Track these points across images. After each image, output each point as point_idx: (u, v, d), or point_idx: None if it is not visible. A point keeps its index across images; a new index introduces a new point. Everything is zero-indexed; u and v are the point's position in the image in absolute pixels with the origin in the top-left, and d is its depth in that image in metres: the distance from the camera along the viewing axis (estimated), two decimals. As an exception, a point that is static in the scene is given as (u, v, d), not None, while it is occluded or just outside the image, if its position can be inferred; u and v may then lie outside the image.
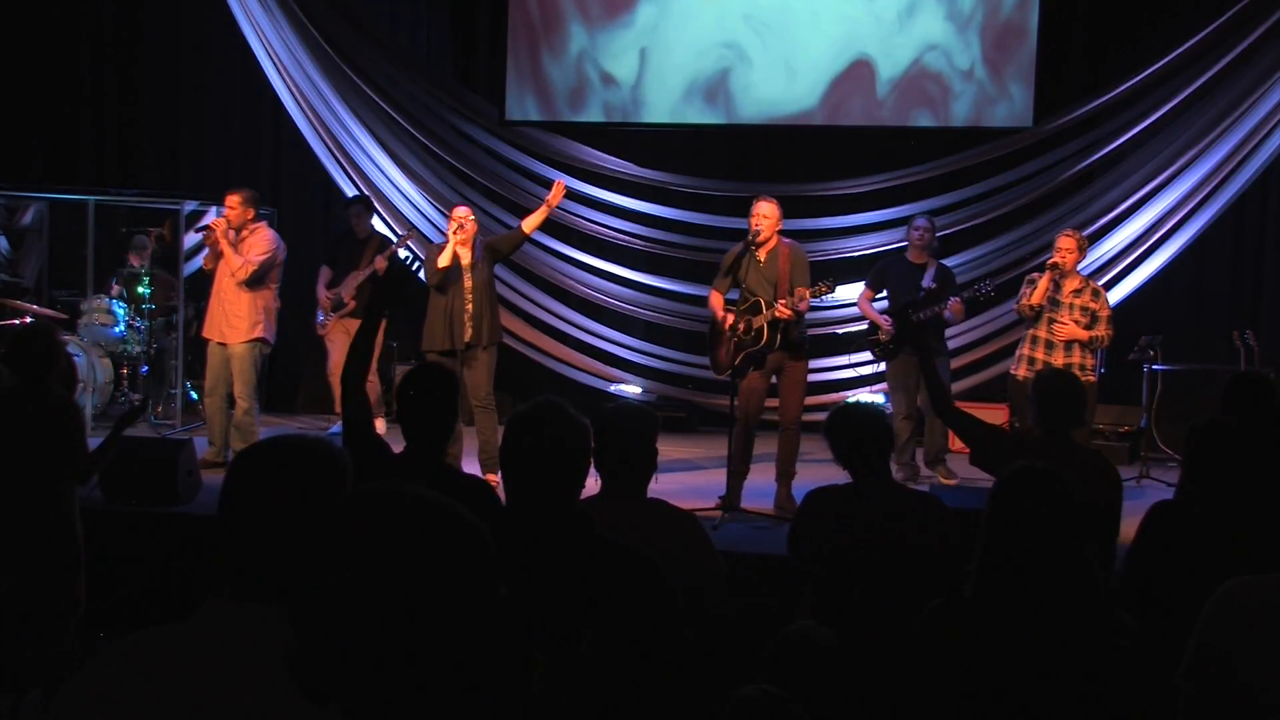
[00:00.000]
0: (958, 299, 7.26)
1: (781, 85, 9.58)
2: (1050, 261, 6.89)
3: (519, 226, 7.48)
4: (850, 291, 9.10)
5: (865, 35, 9.42)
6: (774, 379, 6.82)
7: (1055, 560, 2.55)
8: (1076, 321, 6.76)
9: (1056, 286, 6.85)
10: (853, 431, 3.83)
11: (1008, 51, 9.24)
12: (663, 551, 3.05)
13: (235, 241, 7.54)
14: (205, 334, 7.68)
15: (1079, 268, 7.03)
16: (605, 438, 3.26)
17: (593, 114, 9.93)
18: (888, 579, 3.54)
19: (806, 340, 6.88)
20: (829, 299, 8.98)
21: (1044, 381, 4.44)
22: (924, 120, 9.43)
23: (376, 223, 9.04)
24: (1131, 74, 8.81)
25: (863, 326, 8.22)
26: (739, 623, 3.38)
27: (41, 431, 4.52)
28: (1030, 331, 6.92)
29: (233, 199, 7.57)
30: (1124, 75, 8.86)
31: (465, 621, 1.27)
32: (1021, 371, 6.87)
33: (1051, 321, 6.81)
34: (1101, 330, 6.79)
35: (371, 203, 8.90)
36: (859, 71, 9.46)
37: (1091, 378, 6.82)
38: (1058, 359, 6.74)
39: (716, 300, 6.87)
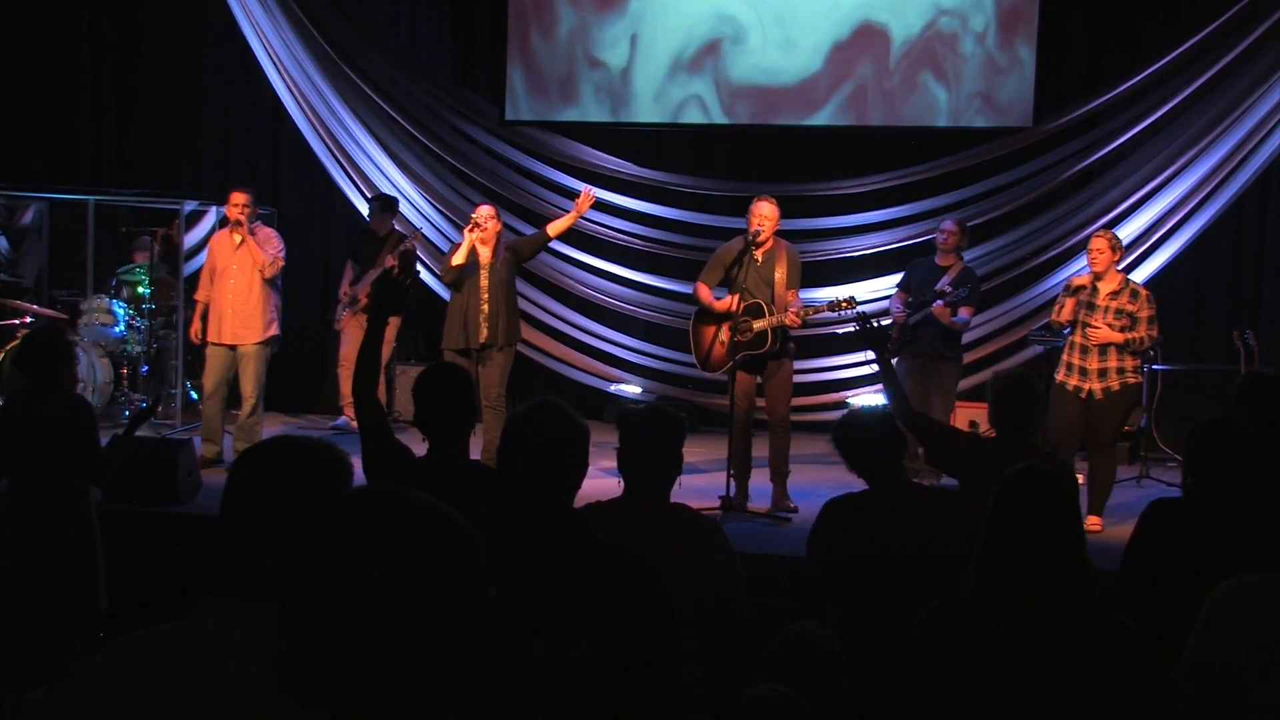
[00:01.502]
0: (941, 303, 7.22)
1: (782, 52, 9.55)
2: (1072, 284, 6.72)
3: (543, 230, 7.47)
4: (850, 291, 9.11)
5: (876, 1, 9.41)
6: (758, 378, 6.83)
7: (1055, 562, 2.55)
8: (1110, 325, 6.56)
9: (1094, 290, 6.68)
10: (863, 438, 3.79)
11: (1016, 26, 9.24)
12: (683, 555, 3.06)
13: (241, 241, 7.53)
14: (211, 337, 7.58)
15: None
16: (629, 440, 3.26)
17: (585, 95, 9.90)
18: (918, 583, 3.51)
19: (792, 341, 6.92)
20: (828, 300, 9.01)
21: (998, 383, 4.47)
22: (933, 86, 9.36)
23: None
24: (1131, 74, 8.81)
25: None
26: (758, 626, 3.37)
27: (55, 431, 4.52)
28: (1069, 337, 6.81)
29: (241, 197, 7.51)
30: (1124, 75, 8.86)
31: (453, 623, 1.26)
32: (1059, 376, 6.74)
33: (1085, 326, 6.65)
34: (1141, 332, 6.56)
35: (392, 202, 8.91)
36: (870, 35, 9.42)
37: (1131, 379, 6.61)
38: (1092, 363, 6.58)
39: (706, 293, 6.86)
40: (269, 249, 7.59)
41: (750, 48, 9.61)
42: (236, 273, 7.55)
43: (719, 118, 9.75)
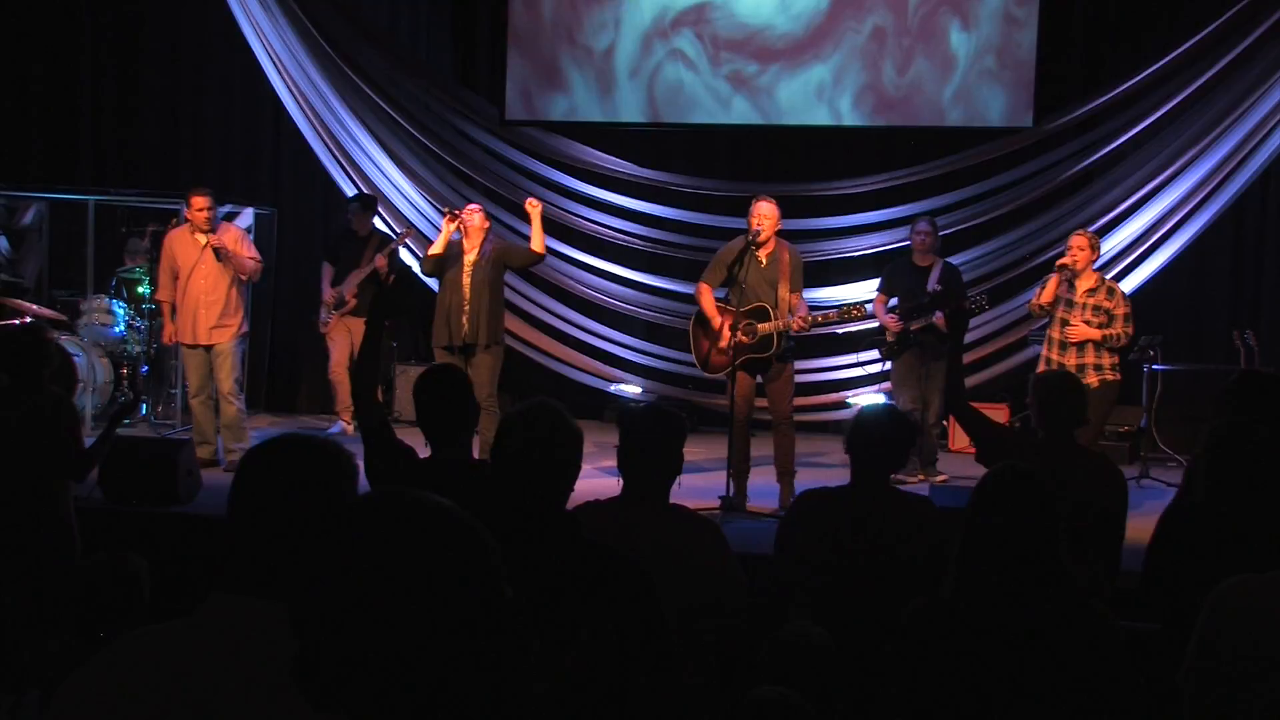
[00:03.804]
0: (942, 314, 7.22)
1: (777, 4, 9.54)
2: (1059, 263, 6.81)
3: (528, 247, 7.37)
4: (850, 292, 9.12)
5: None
6: (758, 378, 6.83)
7: (1032, 559, 2.57)
8: (1088, 322, 6.61)
9: (1070, 286, 6.74)
10: (885, 434, 3.76)
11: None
12: (681, 555, 3.05)
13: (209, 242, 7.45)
14: (185, 339, 7.50)
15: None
16: (628, 440, 3.26)
17: (571, 78, 9.90)
18: (879, 582, 3.53)
19: (792, 341, 6.93)
20: (829, 299, 9.02)
21: (1044, 383, 4.45)
22: (953, 36, 9.30)
23: (377, 222, 9.03)
24: (1131, 74, 8.81)
25: (863, 327, 8.21)
26: (754, 627, 3.37)
27: (35, 430, 4.52)
28: (1048, 332, 6.84)
29: (204, 200, 7.39)
30: (1124, 75, 8.87)
31: (471, 625, 1.27)
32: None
33: (1064, 323, 6.68)
34: (1118, 329, 6.61)
35: (372, 201, 8.87)
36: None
37: (1109, 376, 6.64)
38: (1071, 360, 6.59)
39: (707, 297, 6.86)
40: (247, 253, 7.55)
41: (740, 4, 9.60)
42: (205, 273, 7.42)
43: (706, 72, 9.69)
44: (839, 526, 3.65)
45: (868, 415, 3.86)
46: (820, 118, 9.60)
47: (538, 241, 7.31)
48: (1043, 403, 4.31)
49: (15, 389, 4.59)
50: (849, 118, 9.57)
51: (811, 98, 9.59)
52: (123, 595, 3.51)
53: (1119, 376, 6.75)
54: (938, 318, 7.22)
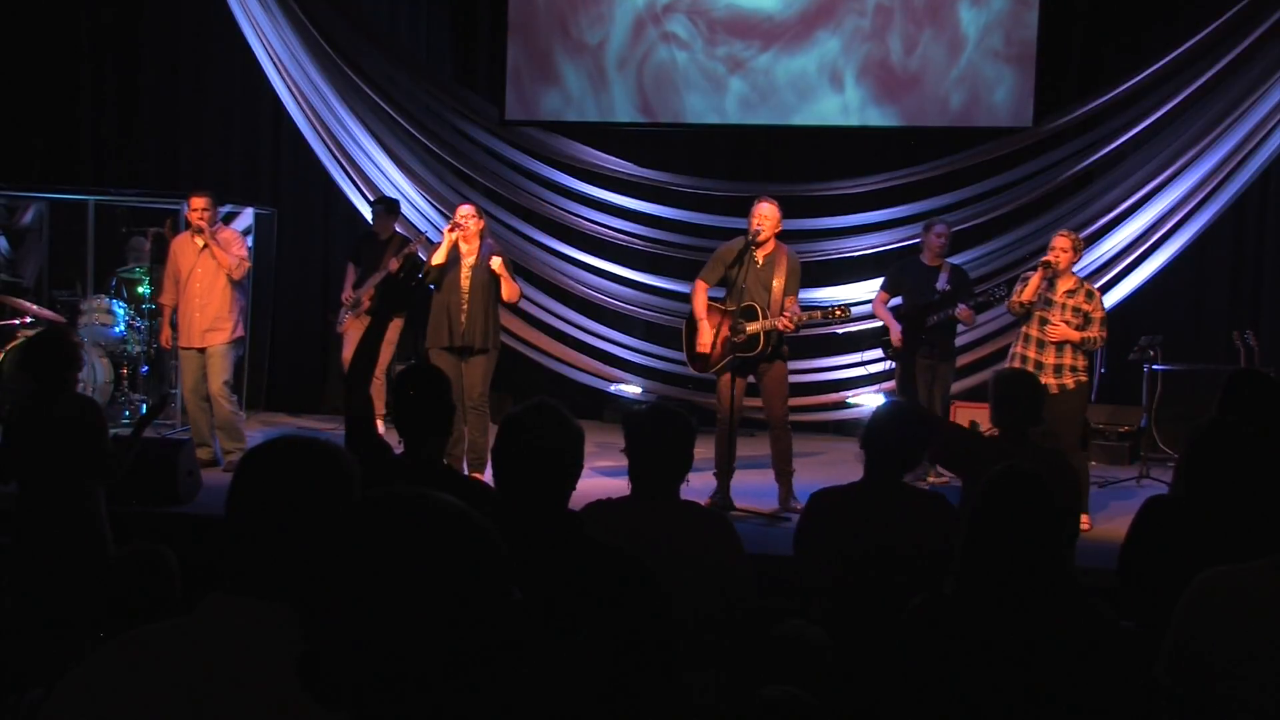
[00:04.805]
0: (965, 305, 7.24)
1: None
2: (1043, 260, 6.84)
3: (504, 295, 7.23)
4: (850, 292, 9.12)
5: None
6: (750, 378, 6.83)
7: (1035, 560, 2.59)
8: (1067, 322, 6.63)
9: (1050, 285, 6.77)
10: (900, 431, 3.77)
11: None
12: (693, 552, 3.07)
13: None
14: (181, 342, 7.57)
15: (1075, 269, 6.95)
16: (637, 439, 3.27)
17: (564, 71, 9.91)
18: (891, 578, 3.54)
19: (785, 344, 6.91)
20: (829, 299, 9.02)
21: (1001, 381, 4.48)
22: (963, 13, 9.30)
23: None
24: (1131, 74, 8.82)
25: (864, 327, 8.21)
26: (761, 625, 3.38)
27: (65, 433, 4.54)
28: (1023, 329, 6.83)
29: (201, 201, 7.46)
30: (1124, 75, 8.87)
31: (478, 625, 1.27)
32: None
33: (1044, 322, 6.70)
34: (1094, 332, 6.66)
35: (395, 205, 8.88)
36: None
37: (1083, 378, 6.69)
38: (1048, 358, 6.64)
39: (700, 296, 6.87)
40: (233, 251, 7.57)
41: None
42: (201, 276, 7.50)
43: (700, 54, 9.67)
44: (851, 523, 3.66)
45: (884, 412, 3.88)
46: (823, 97, 9.56)
47: (507, 292, 7.16)
48: (1000, 399, 4.36)
49: (42, 392, 4.62)
50: (852, 96, 9.53)
51: (812, 76, 9.55)
52: (157, 586, 3.56)
53: (1089, 378, 6.84)
54: (961, 310, 7.23)
